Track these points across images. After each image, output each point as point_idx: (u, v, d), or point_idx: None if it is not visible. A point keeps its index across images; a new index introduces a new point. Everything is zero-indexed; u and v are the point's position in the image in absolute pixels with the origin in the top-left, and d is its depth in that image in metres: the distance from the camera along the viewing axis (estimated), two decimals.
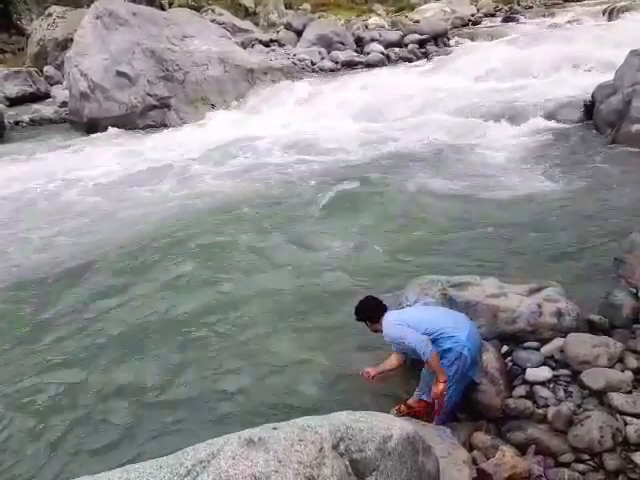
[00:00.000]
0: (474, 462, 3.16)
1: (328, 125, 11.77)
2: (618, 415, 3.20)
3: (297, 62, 19.03)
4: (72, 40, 16.58)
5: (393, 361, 3.57)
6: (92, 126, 14.27)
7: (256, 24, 27.58)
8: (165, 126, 13.89)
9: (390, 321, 3.50)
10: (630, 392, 3.33)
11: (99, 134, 13.74)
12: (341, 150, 9.96)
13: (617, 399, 3.28)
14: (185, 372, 4.40)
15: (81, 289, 5.90)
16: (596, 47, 13.05)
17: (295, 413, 2.14)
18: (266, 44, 22.78)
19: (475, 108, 10.82)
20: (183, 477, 1.56)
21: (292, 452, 1.66)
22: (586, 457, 3.11)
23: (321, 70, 19.10)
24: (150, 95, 14.17)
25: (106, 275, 6.14)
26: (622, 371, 3.47)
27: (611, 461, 3.03)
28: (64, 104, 16.95)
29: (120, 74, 14.18)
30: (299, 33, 23.53)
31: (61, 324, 5.24)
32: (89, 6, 16.63)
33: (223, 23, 23.32)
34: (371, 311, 3.65)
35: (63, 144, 13.03)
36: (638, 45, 9.28)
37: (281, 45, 22.78)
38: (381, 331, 3.57)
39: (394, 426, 2.07)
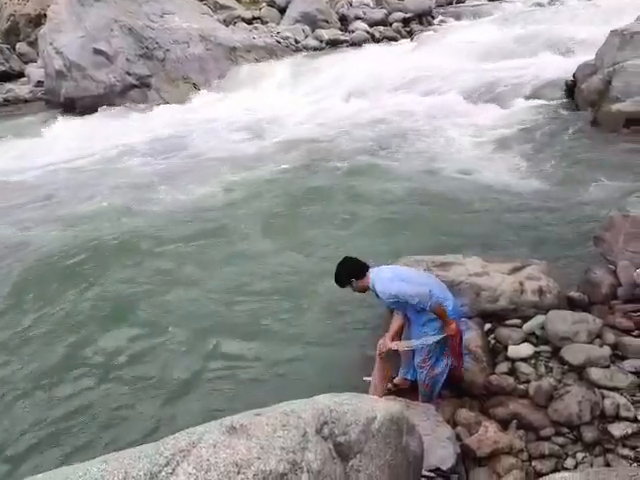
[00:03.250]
0: (458, 438, 3.23)
1: (306, 106, 11.61)
2: (596, 389, 3.29)
3: (281, 40, 18.66)
4: (45, 16, 16.03)
5: (399, 320, 3.49)
6: (69, 106, 13.91)
7: (238, 1, 26.90)
8: (146, 105, 13.59)
9: (383, 277, 3.33)
10: (608, 367, 3.43)
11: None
12: (315, 133, 9.77)
13: (595, 374, 3.37)
14: (165, 359, 4.37)
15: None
16: (577, 26, 13.03)
17: (280, 397, 2.13)
18: (249, 21, 22.24)
19: (458, 88, 10.77)
20: (162, 467, 1.52)
21: (275, 438, 1.66)
22: (565, 430, 3.19)
23: (305, 48, 18.78)
24: (129, 74, 13.83)
25: (84, 266, 6.03)
26: (600, 346, 3.56)
27: (589, 433, 3.12)
28: (40, 83, 16.41)
29: (97, 52, 13.78)
30: (282, 10, 23.00)
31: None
32: None
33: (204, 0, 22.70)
34: (355, 269, 3.40)
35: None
36: (618, 24, 9.31)
37: (264, 23, 22.27)
38: (368, 289, 3.38)
39: (378, 407, 2.08)
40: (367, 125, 9.89)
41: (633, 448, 2.98)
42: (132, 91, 13.87)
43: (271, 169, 8.27)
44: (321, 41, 19.46)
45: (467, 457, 3.13)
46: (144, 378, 4.19)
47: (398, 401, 3.23)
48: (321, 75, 13.39)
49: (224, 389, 4.00)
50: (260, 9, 24.21)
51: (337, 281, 3.47)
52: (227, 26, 19.09)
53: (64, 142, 10.89)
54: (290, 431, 1.69)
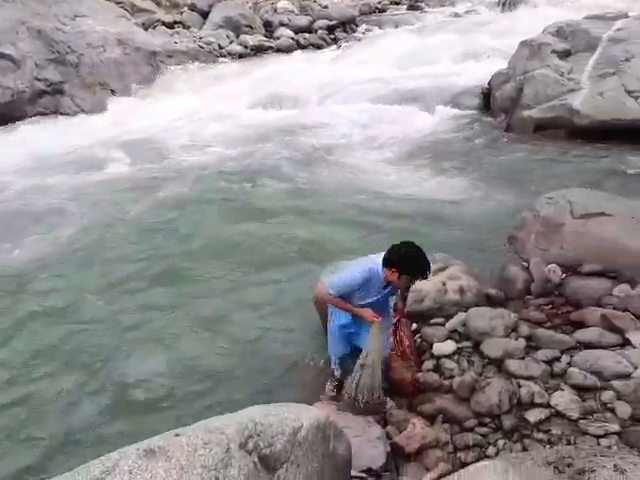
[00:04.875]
0: (388, 437, 3.31)
1: (224, 115, 11.26)
2: (513, 379, 3.50)
3: (204, 45, 18.31)
4: None
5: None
6: None
7: (158, 4, 26.03)
8: (60, 114, 12.80)
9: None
10: (523, 358, 3.66)
11: None
12: (231, 145, 9.41)
13: (512, 365, 3.58)
14: (85, 380, 4.13)
15: None
16: (492, 37, 13.82)
17: (205, 414, 2.07)
18: (170, 26, 21.62)
19: (378, 96, 10.93)
20: None
21: (196, 457, 1.61)
22: (487, 420, 3.36)
23: (230, 54, 18.55)
24: (39, 80, 12.94)
25: None
26: (516, 339, 3.80)
27: (508, 421, 3.31)
28: None
29: (2, 56, 12.80)
30: (205, 15, 22.59)
31: None
32: None
33: (121, 2, 21.83)
34: None
35: None
36: (527, 35, 9.97)
37: (186, 27, 21.74)
38: None
39: (304, 416, 2.08)
40: (284, 136, 9.67)
41: (546, 432, 3.20)
42: (43, 98, 12.96)
43: (169, 192, 7.54)
44: (246, 47, 19.32)
45: (397, 454, 3.22)
46: (55, 407, 3.92)
47: (327, 407, 3.26)
48: (240, 82, 13.16)
49: (144, 411, 3.82)
50: (181, 13, 23.60)
51: (428, 271, 3.15)
52: (146, 30, 18.47)
53: None
54: (212, 449, 1.65)
